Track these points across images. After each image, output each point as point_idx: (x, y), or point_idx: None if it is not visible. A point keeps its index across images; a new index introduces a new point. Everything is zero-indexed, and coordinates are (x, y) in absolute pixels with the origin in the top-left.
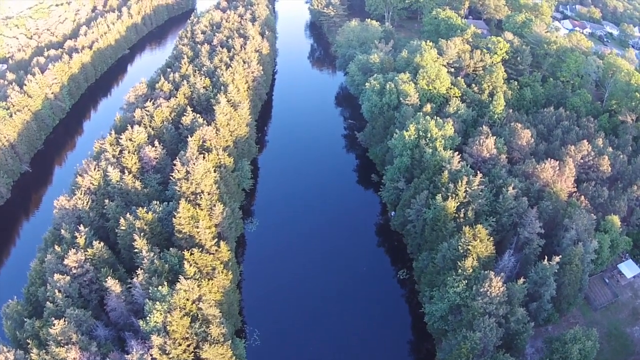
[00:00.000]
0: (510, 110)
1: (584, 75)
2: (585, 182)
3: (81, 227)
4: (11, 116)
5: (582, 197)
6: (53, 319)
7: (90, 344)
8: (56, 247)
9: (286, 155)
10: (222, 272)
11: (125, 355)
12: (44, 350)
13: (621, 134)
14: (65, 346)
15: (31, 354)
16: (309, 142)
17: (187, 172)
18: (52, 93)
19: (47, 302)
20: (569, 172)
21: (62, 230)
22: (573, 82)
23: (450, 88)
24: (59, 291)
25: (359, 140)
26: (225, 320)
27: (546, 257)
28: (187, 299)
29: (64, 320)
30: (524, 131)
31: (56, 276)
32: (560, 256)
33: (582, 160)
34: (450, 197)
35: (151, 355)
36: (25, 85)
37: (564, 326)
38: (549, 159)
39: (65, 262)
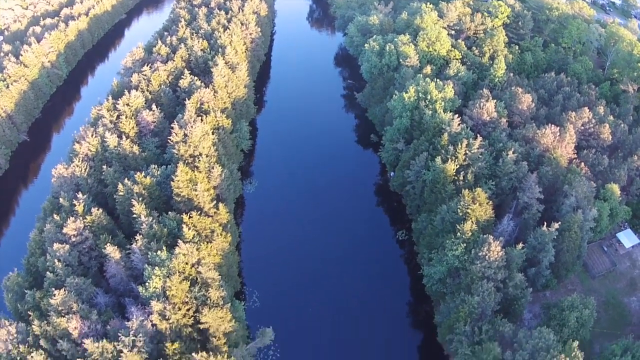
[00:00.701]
0: (511, 74)
1: (585, 43)
2: (585, 149)
3: (79, 195)
4: (8, 87)
5: (582, 164)
6: (53, 289)
7: (91, 312)
8: (55, 216)
9: (285, 116)
10: (220, 234)
11: (126, 322)
12: (45, 321)
13: (622, 103)
14: (66, 316)
15: (33, 326)
16: (307, 103)
17: (185, 135)
18: (48, 61)
19: (47, 272)
20: (569, 138)
21: (60, 198)
22: (575, 49)
23: (451, 50)
24: (59, 260)
25: (358, 100)
26: (225, 282)
27: (545, 223)
28: (186, 263)
29: (64, 290)
30: (524, 95)
31: (55, 246)
32: (560, 222)
33: (582, 127)
34: (449, 160)
35: (151, 321)
36: (22, 55)
37: (562, 293)
38: (550, 124)
39: (64, 230)
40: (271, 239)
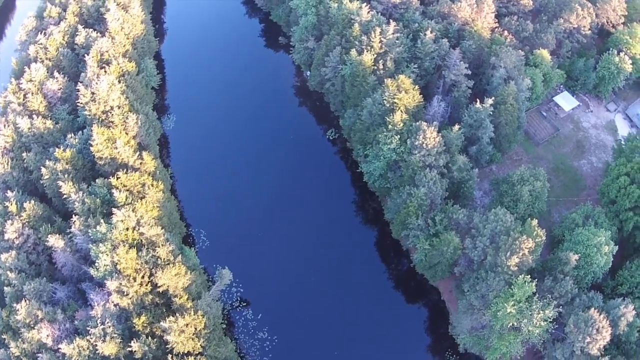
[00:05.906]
0: None
1: None
2: (506, 16)
3: (9, 193)
4: None
5: (506, 32)
6: (15, 304)
7: (56, 312)
8: None
9: (187, 37)
10: (152, 185)
11: (90, 311)
12: (20, 339)
13: None
14: (36, 327)
15: (10, 348)
16: (206, 17)
17: (92, 92)
18: None
19: (5, 287)
20: (487, 8)
21: None
22: None
23: None
24: (11, 271)
25: (259, 5)
26: (169, 233)
27: (478, 100)
28: (127, 229)
29: (25, 300)
30: None
31: (3, 257)
32: (493, 97)
33: None
34: (365, 50)
35: (112, 302)
36: None
37: (508, 165)
38: None
39: (6, 237)
40: (203, 169)
